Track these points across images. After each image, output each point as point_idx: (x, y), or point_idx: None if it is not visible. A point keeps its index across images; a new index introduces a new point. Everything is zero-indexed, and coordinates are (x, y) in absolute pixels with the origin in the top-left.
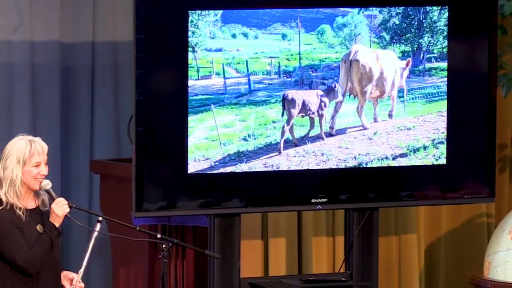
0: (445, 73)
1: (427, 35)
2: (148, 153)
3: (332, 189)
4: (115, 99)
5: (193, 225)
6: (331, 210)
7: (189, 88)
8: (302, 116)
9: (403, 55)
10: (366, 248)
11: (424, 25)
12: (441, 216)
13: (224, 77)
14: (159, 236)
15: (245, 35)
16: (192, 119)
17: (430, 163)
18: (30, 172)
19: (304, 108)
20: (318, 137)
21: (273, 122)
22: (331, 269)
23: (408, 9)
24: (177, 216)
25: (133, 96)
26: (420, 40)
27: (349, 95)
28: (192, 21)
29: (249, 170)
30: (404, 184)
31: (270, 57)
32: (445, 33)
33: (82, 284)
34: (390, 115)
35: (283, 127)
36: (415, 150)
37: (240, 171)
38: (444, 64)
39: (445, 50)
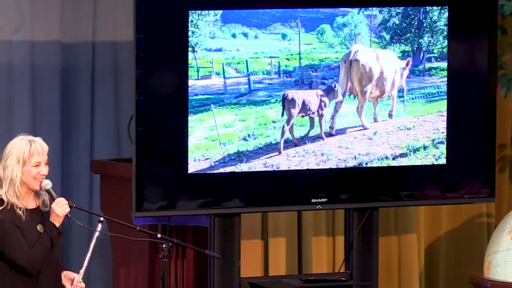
0: (445, 73)
1: (427, 35)
2: (148, 153)
3: (332, 189)
4: (115, 99)
5: (193, 225)
6: (331, 210)
7: (189, 88)
8: (302, 116)
9: (403, 55)
10: (366, 248)
11: (424, 25)
12: (441, 216)
13: (224, 77)
14: (159, 236)
15: (245, 35)
16: (192, 119)
17: (430, 163)
18: (30, 172)
19: (304, 108)
20: (318, 137)
21: (273, 122)
22: (331, 269)
23: (408, 9)
24: (177, 216)
25: (133, 96)
26: (420, 40)
27: (349, 95)
28: (192, 21)
29: (249, 170)
30: (404, 184)
31: (270, 57)
32: (445, 33)
33: (83, 284)
34: (390, 115)
35: (283, 127)
36: (415, 150)
37: (240, 171)
38: (444, 64)
39: (445, 50)
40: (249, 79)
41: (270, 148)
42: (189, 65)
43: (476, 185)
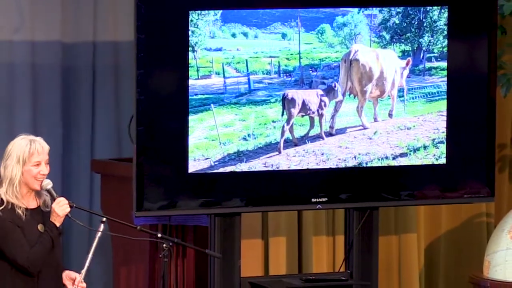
0: (445, 72)
1: (427, 34)
2: (149, 153)
3: (332, 188)
4: (116, 98)
5: (193, 225)
6: (331, 209)
7: (189, 88)
8: (302, 116)
9: (403, 55)
10: (366, 247)
11: (424, 25)
12: (441, 215)
13: (224, 77)
14: (159, 235)
15: (245, 34)
16: (191, 119)
17: (430, 163)
18: (30, 171)
19: (304, 108)
20: (318, 137)
21: (273, 121)
22: (331, 268)
23: (408, 9)
24: (178, 216)
25: (134, 95)
26: (420, 40)
27: (349, 95)
28: (191, 21)
29: (248, 170)
30: (404, 183)
31: (270, 57)
32: (445, 32)
33: (84, 284)
34: (390, 115)
35: (283, 126)
36: (415, 150)
37: (240, 170)
38: (444, 64)
39: (445, 49)
40: (249, 79)
41: (270, 147)
42: (189, 65)
43: (475, 184)
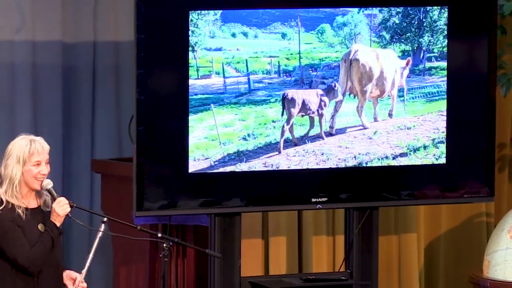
0: (445, 72)
1: (427, 34)
2: (149, 153)
3: (332, 188)
4: (116, 98)
5: (193, 224)
6: (331, 209)
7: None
8: (302, 116)
9: (403, 54)
10: (366, 247)
11: (424, 24)
12: (441, 215)
13: (224, 77)
14: (160, 235)
15: (245, 34)
16: (191, 119)
17: (430, 163)
18: (30, 171)
19: (304, 108)
20: (318, 137)
21: (273, 121)
22: (331, 268)
23: (408, 8)
24: (178, 215)
25: (134, 95)
26: (420, 39)
27: (349, 95)
28: (191, 20)
29: (248, 170)
30: (404, 183)
31: (270, 57)
32: (445, 32)
33: (85, 284)
34: (390, 115)
35: (283, 126)
36: (415, 150)
37: (240, 170)
38: (444, 64)
39: (445, 49)
40: (249, 79)
41: (270, 147)
42: (189, 65)
43: (475, 184)
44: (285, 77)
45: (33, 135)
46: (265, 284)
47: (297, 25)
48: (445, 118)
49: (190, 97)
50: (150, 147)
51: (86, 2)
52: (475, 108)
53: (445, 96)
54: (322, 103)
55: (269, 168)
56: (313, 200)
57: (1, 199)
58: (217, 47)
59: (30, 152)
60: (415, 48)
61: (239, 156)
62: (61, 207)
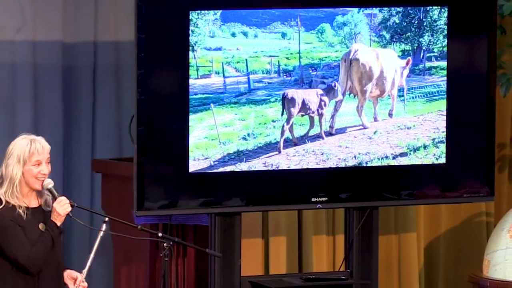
0: (445, 72)
1: (427, 33)
2: (150, 152)
3: (332, 188)
4: (116, 98)
5: (194, 224)
6: (331, 209)
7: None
8: (302, 115)
9: (403, 54)
10: (366, 246)
11: (424, 24)
12: (441, 215)
13: (224, 76)
14: (160, 234)
15: (245, 34)
16: (191, 118)
17: (430, 162)
18: (31, 171)
19: (304, 107)
20: (318, 136)
21: (273, 121)
22: (331, 268)
23: (408, 8)
24: (178, 215)
25: (135, 95)
26: (420, 39)
27: (349, 94)
28: (191, 20)
29: (248, 170)
30: (404, 183)
31: (270, 56)
32: (445, 32)
33: (86, 284)
34: (390, 114)
35: (283, 126)
36: (415, 149)
37: (240, 170)
38: (444, 63)
39: (445, 49)
40: (248, 78)
41: (270, 147)
42: (189, 64)
43: (475, 184)
44: (285, 76)
45: (34, 134)
46: (265, 284)
47: (297, 25)
48: (445, 118)
49: (190, 96)
50: (151, 147)
51: (87, 2)
52: (475, 108)
53: (445, 96)
54: (322, 103)
55: (269, 168)
56: (313, 199)
57: (1, 199)
58: (217, 46)
59: (30, 152)
60: (415, 47)
61: (239, 156)
62: (62, 207)
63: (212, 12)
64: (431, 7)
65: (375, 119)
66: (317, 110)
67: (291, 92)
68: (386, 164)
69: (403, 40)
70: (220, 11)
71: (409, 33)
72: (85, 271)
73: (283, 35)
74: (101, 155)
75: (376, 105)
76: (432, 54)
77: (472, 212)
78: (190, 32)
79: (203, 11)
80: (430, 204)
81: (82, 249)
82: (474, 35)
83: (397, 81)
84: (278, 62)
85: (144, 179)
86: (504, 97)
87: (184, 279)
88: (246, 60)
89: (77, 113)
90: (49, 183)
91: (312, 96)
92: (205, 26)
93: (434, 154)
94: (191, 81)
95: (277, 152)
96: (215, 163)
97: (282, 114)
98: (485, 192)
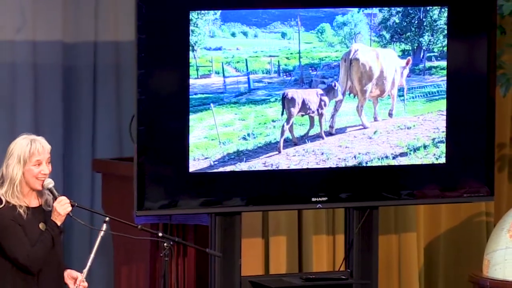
0: (445, 72)
1: (427, 33)
2: (150, 152)
3: (332, 188)
4: (117, 98)
5: (194, 224)
6: (331, 208)
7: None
8: (302, 115)
9: (403, 54)
10: (366, 246)
11: (425, 24)
12: (441, 214)
13: (224, 76)
14: (160, 234)
15: (245, 33)
16: (191, 118)
17: (430, 162)
18: (31, 171)
19: (304, 107)
20: (318, 136)
21: (273, 121)
22: (331, 267)
23: (408, 8)
24: (179, 215)
25: (135, 95)
26: (420, 39)
27: (349, 94)
28: (191, 20)
29: (248, 169)
30: (404, 183)
31: (270, 56)
32: (445, 32)
33: (86, 284)
34: (390, 114)
35: (283, 126)
36: (415, 149)
37: (240, 170)
38: (444, 63)
39: (445, 49)
40: (248, 78)
41: (270, 147)
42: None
43: (475, 184)
44: (285, 76)
45: (34, 134)
46: (265, 283)
47: (297, 25)
48: (445, 117)
49: (190, 96)
50: (151, 146)
51: (87, 2)
52: (475, 108)
53: (445, 95)
54: (322, 103)
55: (269, 168)
56: (313, 199)
57: (1, 199)
58: (217, 46)
59: (31, 152)
60: (415, 47)
61: (239, 155)
62: (62, 206)
63: (212, 12)
64: (431, 7)
65: (375, 119)
66: (317, 110)
67: (291, 92)
68: (386, 164)
69: (403, 40)
70: (220, 11)
71: (409, 33)
72: (85, 270)
73: (283, 35)
74: (101, 155)
75: (376, 105)
76: (432, 54)
77: (472, 212)
78: (190, 32)
79: (203, 11)
80: (430, 204)
81: (82, 249)
82: (474, 35)
83: (397, 81)
84: (278, 62)
85: (145, 179)
86: (504, 97)
87: (184, 279)
88: (246, 60)
89: (77, 113)
90: (50, 182)
91: (312, 96)
92: (205, 26)
93: (434, 154)
94: (191, 81)
95: (277, 152)
96: (215, 163)
97: (282, 114)
98: (485, 192)
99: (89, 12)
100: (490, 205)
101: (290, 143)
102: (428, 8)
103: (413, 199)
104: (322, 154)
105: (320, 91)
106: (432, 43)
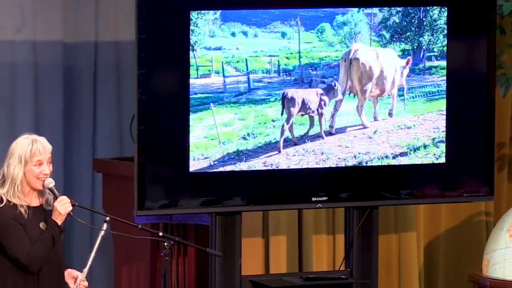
0: (445, 71)
1: (427, 33)
2: (150, 152)
3: (332, 187)
4: (117, 98)
5: (194, 223)
6: (331, 208)
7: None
8: (302, 115)
9: (403, 54)
10: (366, 246)
11: (424, 24)
12: (440, 214)
13: (224, 76)
14: (161, 234)
15: (245, 33)
16: (191, 118)
17: (430, 162)
18: (32, 171)
19: (304, 107)
20: (317, 136)
21: (273, 121)
22: (331, 267)
23: (408, 8)
24: (179, 214)
25: (135, 95)
26: (420, 39)
27: (349, 94)
28: (191, 20)
29: (248, 169)
30: (404, 182)
31: (270, 56)
32: (445, 31)
33: (86, 283)
34: (390, 114)
35: (283, 126)
36: (415, 149)
37: (240, 170)
38: (444, 63)
39: (445, 48)
40: (248, 78)
41: (270, 147)
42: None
43: (475, 184)
44: (285, 76)
45: (35, 134)
46: (265, 283)
47: (297, 24)
48: (445, 117)
49: (190, 96)
50: (151, 146)
51: (87, 2)
52: (475, 107)
53: (445, 95)
54: (322, 102)
55: (269, 168)
56: (313, 199)
57: (1, 198)
58: (216, 46)
59: (32, 152)
60: (415, 47)
61: (239, 155)
62: (62, 206)
63: (212, 12)
64: (431, 7)
65: (375, 119)
66: (317, 109)
67: (291, 92)
68: (386, 164)
69: (403, 39)
70: (220, 11)
71: (409, 33)
72: (85, 270)
73: (283, 34)
74: (101, 155)
75: (376, 104)
76: (432, 54)
77: (471, 211)
78: (190, 32)
79: (203, 11)
80: (430, 204)
81: (83, 248)
82: (473, 35)
83: (397, 80)
84: (278, 61)
85: (145, 179)
86: (504, 97)
87: (185, 278)
88: (246, 59)
89: (77, 113)
90: (50, 182)
91: (312, 95)
92: (205, 26)
93: (434, 154)
94: (191, 81)
95: (277, 152)
96: (215, 162)
97: (282, 113)
98: (485, 192)
99: (89, 12)
100: (490, 205)
101: (290, 142)
102: (428, 8)
103: (413, 198)
104: (322, 153)
105: (320, 91)
106: (432, 43)
